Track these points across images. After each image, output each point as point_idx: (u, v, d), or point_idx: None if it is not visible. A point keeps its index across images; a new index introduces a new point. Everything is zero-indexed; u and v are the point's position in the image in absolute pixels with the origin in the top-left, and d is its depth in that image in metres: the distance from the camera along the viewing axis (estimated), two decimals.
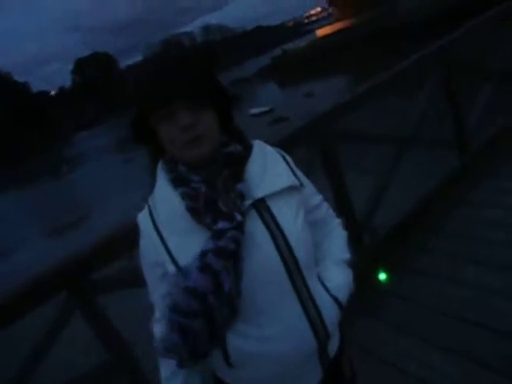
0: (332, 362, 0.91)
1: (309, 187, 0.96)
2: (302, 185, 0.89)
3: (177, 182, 0.81)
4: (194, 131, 0.76)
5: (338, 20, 50.60)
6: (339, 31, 35.78)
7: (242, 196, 0.78)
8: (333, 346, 0.92)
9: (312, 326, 0.82)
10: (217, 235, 0.75)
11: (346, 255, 0.99)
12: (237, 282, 0.76)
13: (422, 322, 1.93)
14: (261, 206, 0.80)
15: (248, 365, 0.82)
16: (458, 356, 1.70)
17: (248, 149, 0.86)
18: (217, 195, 0.78)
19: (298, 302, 0.81)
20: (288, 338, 0.81)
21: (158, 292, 0.85)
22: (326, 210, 1.01)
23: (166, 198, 0.82)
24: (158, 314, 0.88)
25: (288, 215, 0.82)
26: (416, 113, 2.61)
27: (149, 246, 0.83)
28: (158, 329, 0.85)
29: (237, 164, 0.82)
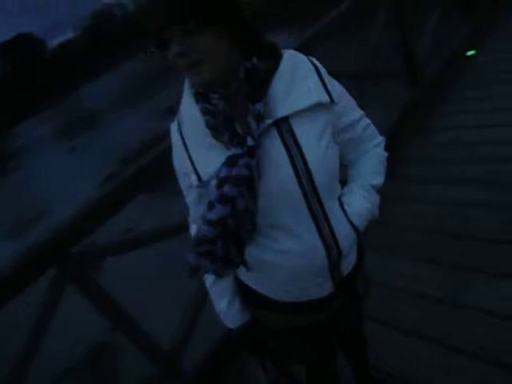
0: (345, 278, 0.95)
1: (344, 102, 0.88)
2: (332, 101, 0.82)
3: (198, 96, 0.80)
4: (191, 57, 0.73)
5: None
6: None
7: (260, 117, 0.75)
8: (347, 264, 0.94)
9: (325, 245, 0.84)
10: (230, 162, 0.75)
11: (377, 180, 0.95)
12: (253, 202, 0.78)
13: (404, 241, 2.06)
14: (282, 126, 0.78)
15: (264, 270, 0.89)
16: (445, 267, 1.84)
17: (276, 61, 0.80)
18: (235, 114, 0.76)
19: (312, 223, 0.83)
20: (301, 254, 0.84)
21: (190, 197, 0.92)
22: (363, 128, 0.93)
23: (189, 112, 0.83)
24: (191, 217, 0.98)
25: (312, 137, 0.79)
26: (370, 47, 2.65)
27: (178, 155, 0.88)
28: (192, 231, 0.98)
29: (260, 80, 0.77)
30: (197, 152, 0.83)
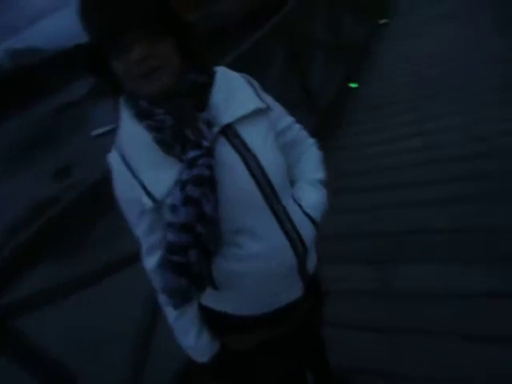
0: (311, 278, 0.96)
1: (277, 110, 0.96)
2: (269, 108, 0.89)
3: (140, 116, 0.78)
4: (150, 63, 0.72)
5: None
6: None
7: (209, 123, 0.78)
8: (311, 262, 0.96)
9: (290, 241, 0.85)
10: (190, 164, 0.75)
11: (320, 175, 1.01)
12: (216, 207, 0.77)
13: (331, 247, 2.21)
14: (229, 132, 0.81)
15: (233, 284, 0.85)
16: (374, 263, 2.04)
17: (211, 76, 0.85)
18: (183, 125, 0.77)
19: (275, 221, 0.84)
20: (268, 256, 0.83)
21: (141, 228, 0.85)
22: (297, 131, 1.01)
23: (132, 133, 0.81)
24: (143, 249, 0.89)
25: (257, 138, 0.83)
26: (273, 81, 2.93)
27: (123, 183, 0.82)
28: (150, 264, 0.88)
29: (201, 92, 0.81)
30: (146, 172, 0.79)
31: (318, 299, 1.07)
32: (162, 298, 0.88)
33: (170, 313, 0.91)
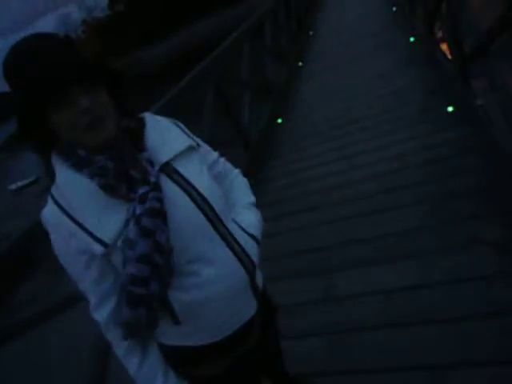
0: (261, 294, 1.03)
1: (204, 146, 1.06)
2: (198, 145, 0.99)
3: (79, 165, 0.80)
4: (94, 113, 0.76)
5: None
6: None
7: (151, 162, 0.85)
8: (259, 278, 1.03)
9: (240, 261, 0.92)
10: (141, 199, 0.79)
11: (251, 199, 1.12)
12: (168, 239, 0.81)
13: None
14: (168, 170, 0.87)
15: (196, 314, 0.88)
16: (311, 275, 2.22)
17: (141, 121, 0.92)
18: (127, 166, 0.82)
19: (224, 245, 0.90)
20: (223, 277, 0.89)
21: (88, 279, 0.85)
22: (223, 164, 1.12)
23: (71, 183, 0.81)
24: (93, 301, 0.87)
25: (194, 172, 0.90)
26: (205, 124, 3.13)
27: (65, 237, 0.82)
28: (104, 315, 0.87)
29: (136, 137, 0.87)
30: (92, 219, 0.80)
31: (271, 314, 1.16)
32: (121, 350, 0.89)
33: (132, 363, 0.89)
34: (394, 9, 6.70)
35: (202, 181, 0.90)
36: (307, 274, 2.23)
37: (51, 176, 0.84)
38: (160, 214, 0.80)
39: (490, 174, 2.21)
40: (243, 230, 0.98)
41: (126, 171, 0.81)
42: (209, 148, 1.09)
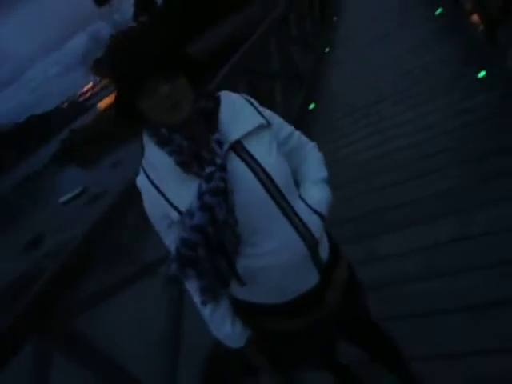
0: (326, 265, 1.05)
1: (277, 121, 1.06)
2: (269, 122, 1.00)
3: (162, 143, 0.92)
4: (173, 98, 0.87)
5: None
6: None
7: (220, 143, 0.91)
8: (323, 251, 1.05)
9: (301, 236, 0.97)
10: (208, 178, 0.88)
11: (322, 174, 1.12)
12: (232, 213, 0.90)
13: None
14: (237, 148, 0.93)
15: (256, 278, 0.97)
16: None
17: (217, 101, 0.98)
18: (199, 146, 0.91)
19: (285, 219, 0.95)
20: (283, 250, 0.96)
21: (170, 238, 0.98)
22: (297, 138, 1.11)
23: (156, 158, 0.94)
24: (172, 256, 0.99)
25: (262, 150, 0.95)
26: None
27: (152, 202, 0.96)
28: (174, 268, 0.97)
29: (210, 117, 0.94)
30: (171, 190, 0.92)
31: (351, 289, 1.15)
32: (197, 299, 1.02)
33: (204, 309, 1.03)
34: None
35: (268, 158, 0.95)
36: (349, 240, 2.36)
37: (142, 150, 0.99)
38: (222, 193, 0.88)
39: None
40: (309, 206, 1.02)
41: (197, 151, 0.90)
42: (283, 123, 1.09)
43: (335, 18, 8.52)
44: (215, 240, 0.90)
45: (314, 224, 1.01)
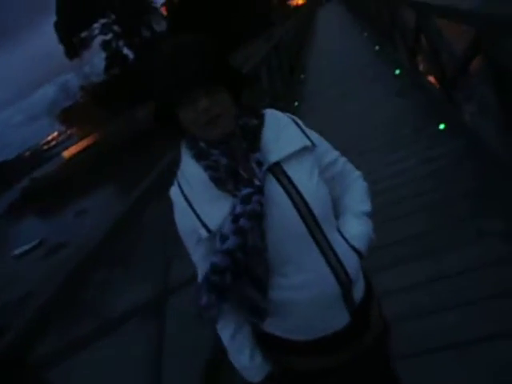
0: (359, 306, 0.96)
1: (322, 146, 0.99)
2: (313, 145, 0.94)
3: (199, 156, 0.88)
4: (212, 112, 0.83)
5: (82, 138, 51.85)
6: (88, 147, 36.74)
7: (260, 163, 0.86)
8: (358, 291, 0.96)
9: (334, 272, 0.89)
10: (244, 200, 0.83)
11: (365, 207, 1.02)
12: (263, 239, 0.84)
13: None
14: (276, 170, 0.88)
15: (281, 312, 0.91)
16: None
17: (261, 119, 0.93)
18: (237, 165, 0.86)
19: (318, 252, 0.88)
20: (312, 285, 0.88)
21: (197, 254, 0.93)
22: (342, 165, 1.03)
23: (191, 172, 0.90)
24: (200, 273, 0.94)
25: (302, 175, 0.89)
26: None
27: (183, 215, 0.91)
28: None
29: (253, 135, 0.90)
30: (202, 206, 0.87)
31: (378, 337, 1.05)
32: (218, 321, 0.94)
33: (224, 333, 0.96)
34: (377, 47, 7.26)
35: (307, 184, 0.89)
36: None
37: (178, 161, 0.96)
38: (258, 217, 0.83)
39: (485, 177, 2.44)
40: (346, 240, 0.95)
41: (235, 169, 0.86)
42: (328, 147, 1.03)
43: (302, 76, 9.08)
44: (244, 266, 0.84)
45: (350, 261, 0.93)
